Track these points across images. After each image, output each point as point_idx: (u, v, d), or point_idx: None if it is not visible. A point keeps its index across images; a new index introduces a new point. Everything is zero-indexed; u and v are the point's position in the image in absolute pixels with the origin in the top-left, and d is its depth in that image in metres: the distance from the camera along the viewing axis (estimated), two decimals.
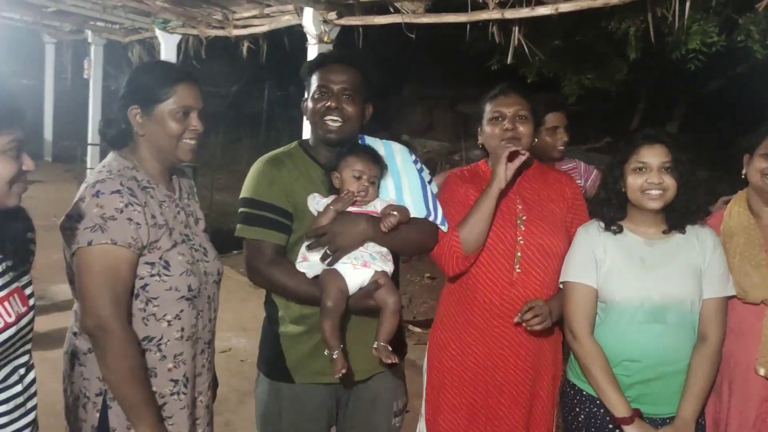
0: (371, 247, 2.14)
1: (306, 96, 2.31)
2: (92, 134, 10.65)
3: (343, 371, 2.05)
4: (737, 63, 5.34)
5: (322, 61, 2.31)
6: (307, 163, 2.27)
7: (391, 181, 2.30)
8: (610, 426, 2.22)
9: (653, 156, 2.18)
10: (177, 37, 7.33)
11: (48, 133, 13.20)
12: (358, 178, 2.15)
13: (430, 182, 2.39)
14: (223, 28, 6.16)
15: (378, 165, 2.20)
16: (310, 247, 2.12)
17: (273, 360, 2.30)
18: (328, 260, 2.10)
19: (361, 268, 2.10)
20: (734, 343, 2.24)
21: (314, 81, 2.26)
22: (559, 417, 2.50)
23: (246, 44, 6.40)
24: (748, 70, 5.51)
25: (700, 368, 2.16)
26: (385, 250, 2.16)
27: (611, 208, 2.27)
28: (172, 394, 1.94)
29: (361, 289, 2.11)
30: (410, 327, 5.54)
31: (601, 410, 2.24)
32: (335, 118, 2.20)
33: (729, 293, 2.21)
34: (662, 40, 3.87)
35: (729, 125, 9.62)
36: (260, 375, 2.38)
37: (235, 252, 7.25)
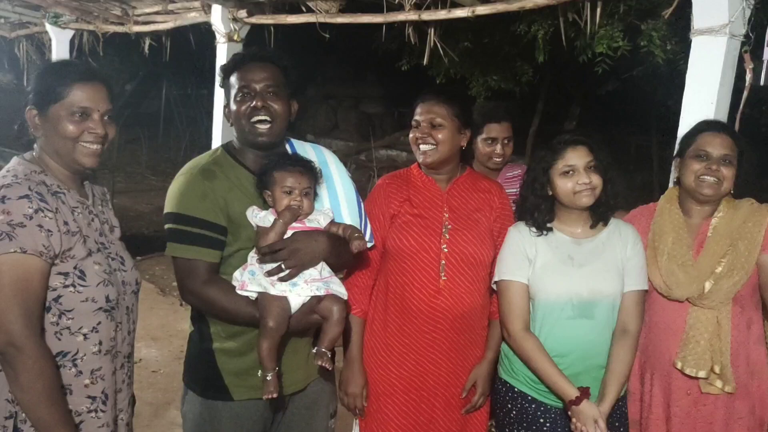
0: (307, 274, 2.03)
1: (227, 101, 2.18)
2: None
3: (274, 395, 1.95)
4: (633, 66, 5.61)
5: (239, 61, 2.18)
6: (237, 171, 2.14)
7: (327, 192, 2.23)
8: (541, 420, 2.28)
9: (578, 158, 2.24)
10: (70, 33, 6.90)
11: None
12: (289, 194, 2.05)
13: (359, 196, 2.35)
14: (122, 24, 5.85)
15: (309, 175, 2.10)
16: (261, 262, 2.00)
17: (207, 378, 2.16)
18: (283, 276, 1.98)
19: (296, 288, 2.00)
20: (658, 338, 2.33)
21: (234, 83, 2.13)
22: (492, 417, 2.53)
23: (148, 41, 6.12)
24: (643, 74, 5.82)
25: (623, 357, 2.24)
26: (318, 269, 2.06)
27: (542, 213, 2.32)
28: (90, 412, 1.82)
29: (303, 305, 2.02)
30: None
31: (533, 405, 2.29)
32: (263, 118, 2.09)
33: (646, 287, 2.31)
34: (569, 44, 4.00)
35: (621, 125, 10.18)
36: (189, 393, 2.22)
37: (138, 258, 6.95)
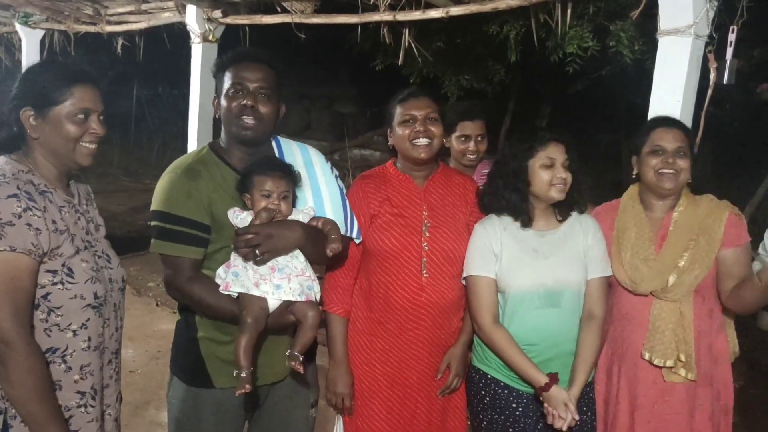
0: (290, 268, 2.09)
1: (217, 93, 2.24)
2: None
3: (246, 391, 2.00)
4: (602, 66, 5.75)
5: (237, 57, 2.22)
6: (222, 170, 2.19)
7: (311, 190, 2.28)
8: (513, 405, 2.37)
9: (559, 153, 2.33)
10: (40, 33, 6.83)
11: None
12: (267, 197, 2.09)
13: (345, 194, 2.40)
14: (94, 24, 5.82)
15: (287, 178, 2.14)
16: (236, 247, 2.05)
17: (191, 365, 2.23)
18: (257, 262, 2.04)
19: (279, 291, 2.05)
20: (625, 330, 2.42)
21: (228, 78, 2.18)
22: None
23: (121, 42, 6.09)
24: (612, 73, 5.96)
25: (590, 342, 2.33)
26: (301, 267, 2.11)
27: (525, 204, 2.38)
28: (79, 407, 1.84)
29: (280, 305, 2.08)
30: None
31: (505, 391, 2.38)
32: (251, 117, 2.14)
33: (609, 273, 2.40)
34: (540, 44, 4.10)
35: (591, 124, 10.35)
36: (174, 379, 2.30)
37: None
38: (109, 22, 5.74)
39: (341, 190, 2.37)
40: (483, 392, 2.43)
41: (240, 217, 2.09)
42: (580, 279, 2.36)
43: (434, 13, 3.65)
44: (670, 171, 2.35)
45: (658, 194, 2.43)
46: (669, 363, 2.32)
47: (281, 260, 2.07)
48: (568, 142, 2.36)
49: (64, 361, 1.81)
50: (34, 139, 1.84)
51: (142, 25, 5.44)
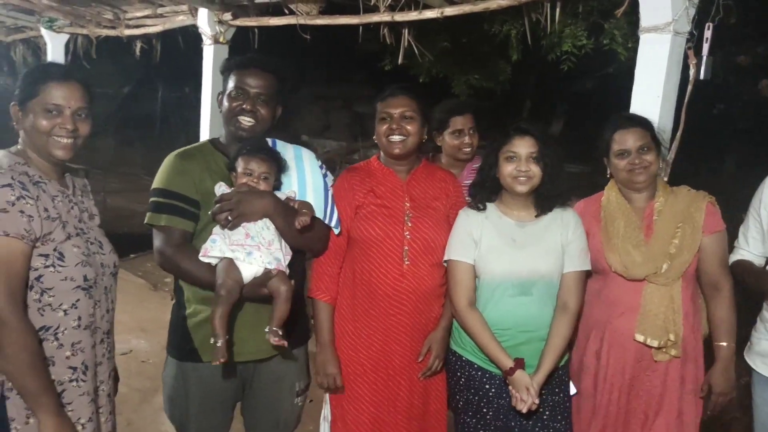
0: (259, 237, 2.24)
1: (223, 90, 2.43)
2: None
3: (222, 361, 2.13)
4: (609, 64, 5.78)
5: (244, 63, 2.43)
6: (216, 157, 2.40)
7: (296, 178, 2.45)
8: (487, 386, 2.47)
9: (522, 146, 2.42)
10: (65, 37, 7.07)
11: None
12: (249, 175, 2.28)
13: (331, 189, 2.54)
14: (114, 27, 6.03)
15: (269, 162, 2.32)
16: (212, 212, 2.22)
17: (181, 342, 2.39)
18: (228, 225, 2.21)
19: (251, 257, 2.20)
20: (614, 314, 2.51)
21: (232, 80, 2.39)
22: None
23: (139, 44, 6.29)
24: (618, 71, 5.98)
25: (560, 331, 2.41)
26: (270, 238, 2.26)
27: (484, 190, 2.52)
28: (71, 381, 1.98)
29: (255, 278, 2.22)
30: None
31: (479, 373, 2.48)
32: (248, 119, 2.35)
33: (586, 268, 2.49)
34: (537, 43, 4.17)
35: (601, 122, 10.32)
36: (168, 358, 2.47)
37: (132, 255, 7.12)
38: (128, 26, 5.94)
39: (326, 183, 2.51)
40: (459, 374, 2.53)
41: (223, 191, 2.28)
42: (554, 271, 2.44)
43: (430, 14, 3.75)
44: (639, 168, 2.47)
45: (633, 188, 2.54)
46: (661, 343, 2.44)
47: (253, 229, 2.23)
48: (539, 135, 2.45)
49: (57, 339, 1.95)
50: (20, 131, 2.01)
51: (158, 29, 5.62)
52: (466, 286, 2.47)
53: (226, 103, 2.39)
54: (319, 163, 2.56)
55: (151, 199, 2.34)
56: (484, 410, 2.47)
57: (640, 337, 2.46)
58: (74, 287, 1.97)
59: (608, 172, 2.59)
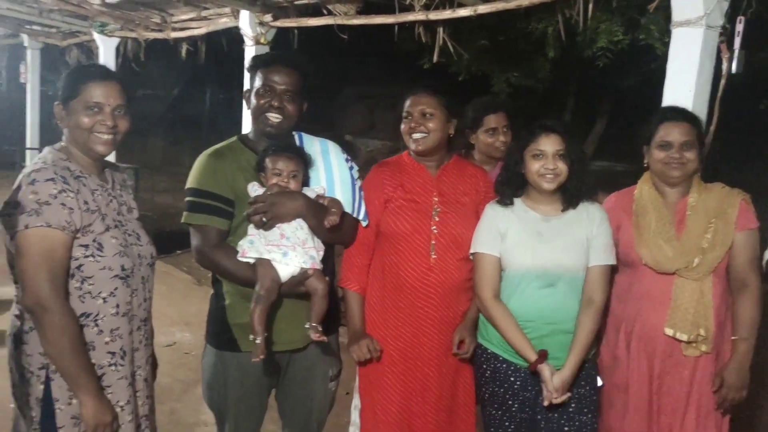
0: (294, 238, 2.32)
1: (250, 87, 2.51)
2: (30, 139, 10.49)
3: (262, 357, 2.23)
4: (651, 60, 5.70)
5: (269, 60, 2.50)
6: (246, 154, 2.47)
7: (324, 174, 2.52)
8: (512, 379, 2.50)
9: (549, 144, 2.44)
10: (115, 41, 7.34)
11: None
12: (278, 175, 2.36)
13: (358, 178, 2.61)
14: (161, 30, 6.24)
15: (296, 160, 2.39)
16: (247, 214, 2.30)
17: (220, 332, 2.49)
18: (263, 226, 2.29)
19: (287, 258, 2.28)
20: (644, 307, 2.52)
21: (259, 77, 2.45)
22: None
23: (185, 47, 6.49)
24: (659, 67, 5.89)
25: (586, 326, 2.43)
26: (304, 237, 2.33)
27: (510, 186, 2.55)
28: (110, 365, 2.08)
29: (293, 277, 2.30)
30: None
31: (504, 365, 2.51)
32: (276, 115, 2.42)
33: (611, 262, 2.49)
34: (572, 40, 4.16)
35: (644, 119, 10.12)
36: (207, 347, 2.57)
37: (178, 252, 7.33)
38: (174, 29, 6.14)
39: (353, 177, 2.58)
40: (484, 366, 2.57)
41: (256, 192, 2.36)
42: (579, 265, 2.46)
43: (464, 12, 3.78)
44: (676, 164, 2.48)
45: (667, 183, 2.54)
46: (691, 337, 2.44)
47: (287, 230, 2.31)
48: (566, 133, 2.46)
49: (96, 325, 2.06)
50: (64, 129, 2.12)
51: (202, 31, 5.80)
52: (492, 279, 2.50)
53: (254, 101, 2.46)
54: (345, 155, 2.62)
55: (187, 198, 2.42)
56: (510, 402, 2.51)
57: (669, 331, 2.46)
58: (112, 276, 2.07)
59: (645, 161, 2.58)
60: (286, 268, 2.29)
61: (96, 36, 7.42)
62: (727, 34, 2.81)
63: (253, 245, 2.30)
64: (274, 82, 2.43)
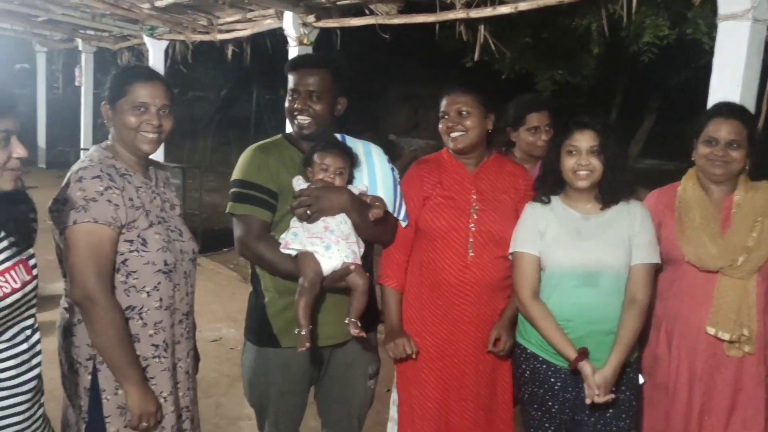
0: (338, 231, 2.35)
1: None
2: (84, 140, 10.85)
3: (307, 346, 2.26)
4: (701, 55, 5.56)
5: (294, 64, 2.56)
6: (291, 150, 2.52)
7: (367, 174, 2.55)
8: (552, 380, 2.47)
9: (583, 140, 2.42)
10: (164, 43, 7.53)
11: (41, 141, 13.36)
12: (325, 170, 2.40)
13: (399, 181, 2.64)
14: (208, 33, 6.37)
15: (343, 157, 2.43)
16: (292, 206, 2.35)
17: (260, 328, 2.53)
18: (307, 219, 2.33)
19: (329, 251, 2.31)
20: (686, 306, 2.48)
21: (289, 81, 2.51)
22: None
23: (231, 48, 6.61)
24: (708, 62, 5.75)
25: (629, 325, 2.38)
26: (347, 231, 2.36)
27: (546, 183, 2.53)
28: (154, 357, 2.15)
29: (334, 272, 2.33)
30: None
31: (543, 366, 2.49)
32: (304, 117, 2.46)
33: (655, 260, 2.45)
34: (620, 35, 4.09)
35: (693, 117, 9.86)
36: (247, 343, 2.62)
37: (225, 249, 7.47)
38: (221, 31, 6.26)
39: (395, 178, 2.61)
40: (524, 366, 2.55)
41: (300, 186, 2.39)
42: (620, 263, 2.42)
43: (504, 9, 3.76)
44: (720, 161, 2.42)
45: (711, 180, 2.49)
46: (733, 337, 2.38)
47: (332, 223, 2.35)
48: (601, 129, 2.43)
49: (141, 318, 2.12)
50: (111, 128, 2.19)
51: (248, 32, 5.90)
52: (531, 278, 2.48)
53: (286, 105, 2.52)
54: (387, 157, 2.65)
55: (232, 189, 2.48)
56: (549, 403, 2.48)
57: (711, 330, 2.41)
58: (156, 271, 2.13)
59: (693, 156, 2.53)
60: (329, 262, 2.31)
61: (146, 39, 7.62)
62: None
63: (296, 237, 2.34)
64: (298, 84, 2.47)
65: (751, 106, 2.78)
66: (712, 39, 4.05)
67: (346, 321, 2.33)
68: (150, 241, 2.13)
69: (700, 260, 2.43)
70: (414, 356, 2.64)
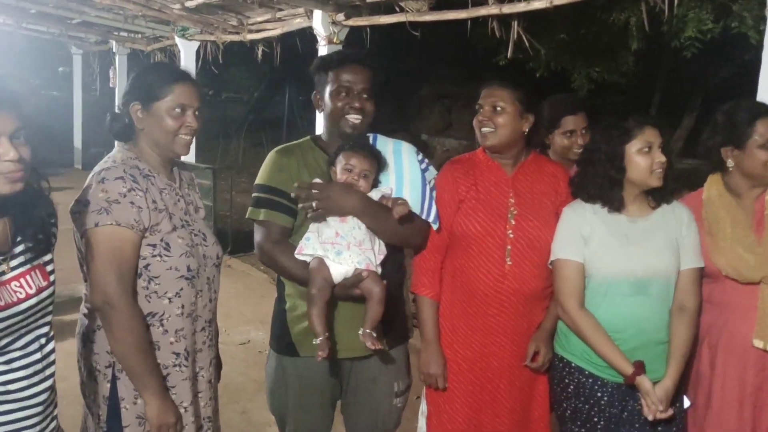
0: (349, 237, 2.23)
1: (320, 90, 2.42)
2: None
3: (321, 355, 2.15)
4: (745, 50, 5.35)
5: (341, 60, 2.42)
6: (315, 153, 2.42)
7: (394, 175, 2.42)
8: (598, 394, 2.34)
9: (656, 137, 2.28)
10: (195, 44, 7.55)
11: (77, 142, 13.59)
12: (350, 171, 2.28)
13: (432, 183, 2.50)
14: (238, 33, 6.35)
15: (370, 159, 2.31)
16: (297, 195, 2.25)
17: (280, 336, 2.45)
18: (312, 215, 2.23)
19: (340, 257, 2.20)
20: (729, 319, 2.33)
21: (333, 78, 2.37)
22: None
23: (261, 48, 6.58)
24: (755, 57, 5.53)
25: (682, 334, 2.27)
26: (360, 237, 2.25)
27: (615, 188, 2.34)
28: (175, 366, 2.08)
29: (346, 278, 2.22)
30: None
31: (590, 380, 2.35)
32: (357, 116, 2.34)
33: (702, 264, 2.31)
34: (661, 30, 3.93)
35: None
36: (270, 351, 2.54)
37: (255, 251, 7.44)
38: (251, 31, 6.23)
39: (425, 179, 2.46)
40: (567, 380, 2.41)
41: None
42: (671, 268, 2.29)
43: (538, 4, 3.63)
44: None
45: (762, 184, 2.32)
46: None
47: (343, 228, 2.24)
48: (662, 125, 2.30)
49: (162, 325, 2.06)
50: (140, 130, 2.11)
51: (277, 32, 5.86)
52: (576, 287, 2.34)
53: (329, 103, 2.37)
54: (420, 156, 2.52)
55: (253, 194, 2.41)
56: (595, 419, 2.35)
57: (758, 343, 2.26)
58: (178, 276, 2.06)
59: (729, 165, 2.34)
60: (339, 268, 2.21)
61: (177, 40, 7.64)
62: None
63: (309, 242, 2.25)
64: (351, 81, 2.35)
65: None
66: (760, 33, 3.89)
67: (360, 332, 2.20)
68: (173, 246, 2.06)
69: (738, 273, 2.29)
70: (443, 389, 2.53)
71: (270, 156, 2.44)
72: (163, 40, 8.55)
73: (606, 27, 5.11)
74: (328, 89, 2.38)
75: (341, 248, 2.21)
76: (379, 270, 2.24)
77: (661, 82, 9.00)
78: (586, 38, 5.67)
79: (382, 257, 2.27)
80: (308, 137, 2.53)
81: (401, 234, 2.34)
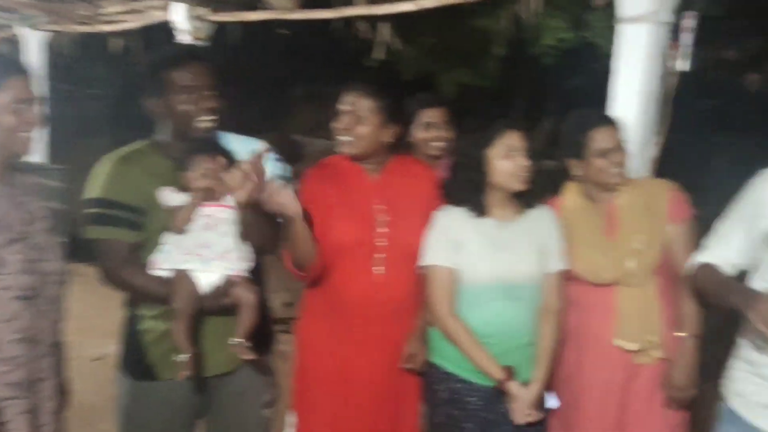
0: (218, 245, 2.12)
1: (157, 93, 2.19)
2: None
3: (186, 374, 2.04)
4: (598, 59, 5.68)
5: (177, 58, 2.21)
6: (156, 158, 2.22)
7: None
8: (468, 399, 2.33)
9: (518, 140, 2.29)
10: (43, 35, 6.98)
11: None
12: (204, 176, 2.13)
13: (288, 179, 2.36)
14: (90, 24, 5.92)
15: (221, 157, 2.18)
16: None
17: (135, 359, 2.25)
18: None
19: (209, 266, 2.09)
20: (591, 320, 2.40)
21: (173, 80, 2.16)
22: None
23: (122, 42, 6.20)
24: (605, 66, 5.87)
25: (547, 335, 2.32)
26: (230, 246, 2.13)
27: (479, 192, 2.34)
28: (9, 399, 1.86)
29: (218, 287, 2.11)
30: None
31: (460, 385, 2.34)
32: (208, 117, 2.18)
33: (566, 266, 2.38)
34: (518, 37, 4.07)
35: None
36: (119, 376, 2.31)
37: (98, 275, 6.97)
38: (104, 22, 5.84)
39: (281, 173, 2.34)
40: (440, 387, 2.39)
41: (171, 198, 2.13)
42: (538, 272, 2.34)
43: (406, 6, 3.63)
44: (618, 169, 2.35)
45: (609, 190, 2.42)
46: (641, 346, 2.33)
47: (212, 237, 2.11)
48: (525, 129, 2.33)
49: None
50: None
51: (135, 24, 5.52)
52: (447, 292, 2.33)
53: (178, 106, 2.16)
54: (275, 156, 2.36)
55: (89, 210, 2.16)
56: (470, 425, 2.33)
57: (617, 342, 2.36)
58: (11, 297, 1.84)
59: (574, 174, 2.43)
60: (209, 277, 2.09)
61: (20, 29, 7.03)
62: (674, 30, 2.73)
63: (168, 255, 2.10)
64: (194, 80, 2.16)
65: (651, 112, 2.77)
66: (610, 42, 4.11)
67: (230, 341, 2.10)
68: (8, 262, 1.83)
69: (594, 275, 2.38)
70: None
71: (104, 165, 2.19)
72: (4, 29, 7.85)
73: (471, 32, 5.23)
74: (169, 92, 2.17)
75: (209, 257, 2.09)
76: (248, 276, 2.14)
77: (523, 89, 9.40)
78: (452, 43, 5.78)
79: (251, 264, 2.17)
80: (146, 142, 2.29)
81: (258, 237, 2.20)
